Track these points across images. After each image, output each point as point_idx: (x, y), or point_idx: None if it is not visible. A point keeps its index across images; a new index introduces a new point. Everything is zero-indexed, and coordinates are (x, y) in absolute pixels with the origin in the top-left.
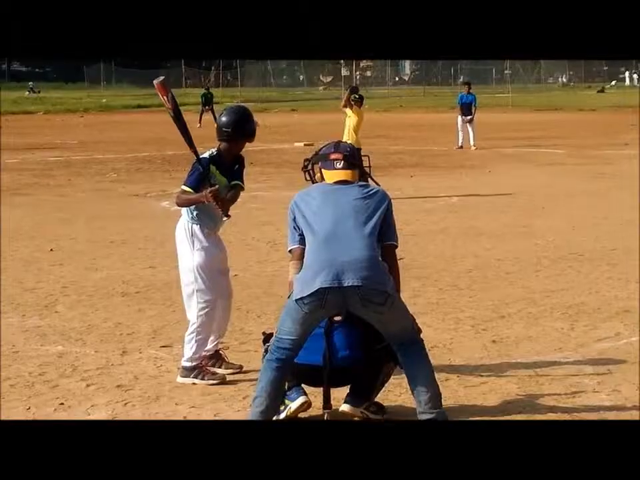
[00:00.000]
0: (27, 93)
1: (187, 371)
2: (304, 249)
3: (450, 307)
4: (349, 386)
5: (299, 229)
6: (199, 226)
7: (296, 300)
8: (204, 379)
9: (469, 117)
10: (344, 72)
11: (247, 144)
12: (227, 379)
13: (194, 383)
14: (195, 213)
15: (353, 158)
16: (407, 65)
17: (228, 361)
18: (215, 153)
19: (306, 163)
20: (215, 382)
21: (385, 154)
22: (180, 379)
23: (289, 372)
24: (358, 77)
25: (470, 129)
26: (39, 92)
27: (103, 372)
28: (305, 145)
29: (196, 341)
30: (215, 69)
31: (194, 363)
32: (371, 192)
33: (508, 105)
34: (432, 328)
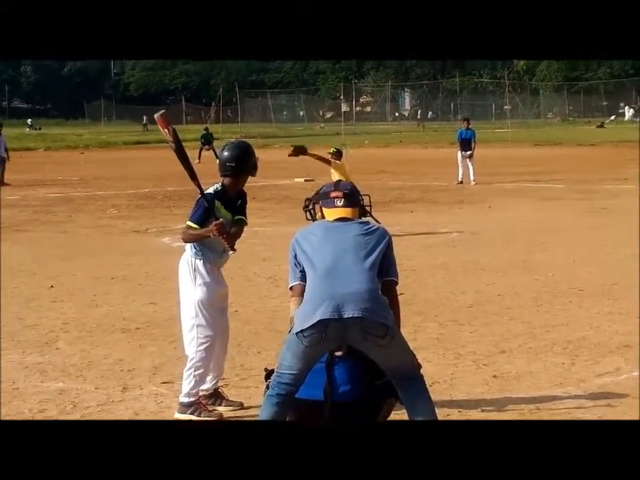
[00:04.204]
0: (27, 129)
1: (185, 407)
2: (304, 286)
3: (451, 342)
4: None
5: (299, 265)
6: (202, 261)
7: (296, 333)
8: (200, 416)
9: (468, 153)
10: (344, 107)
11: (249, 179)
12: (224, 417)
13: (191, 420)
14: (198, 248)
15: (353, 196)
16: (407, 101)
17: (228, 398)
18: (219, 188)
19: (307, 203)
20: (211, 419)
21: (385, 189)
22: (177, 415)
23: (290, 407)
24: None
25: (470, 164)
26: (40, 128)
27: (104, 408)
28: (305, 180)
29: (194, 377)
30: (215, 104)
31: (191, 399)
32: (371, 229)
33: (507, 140)
34: (432, 363)
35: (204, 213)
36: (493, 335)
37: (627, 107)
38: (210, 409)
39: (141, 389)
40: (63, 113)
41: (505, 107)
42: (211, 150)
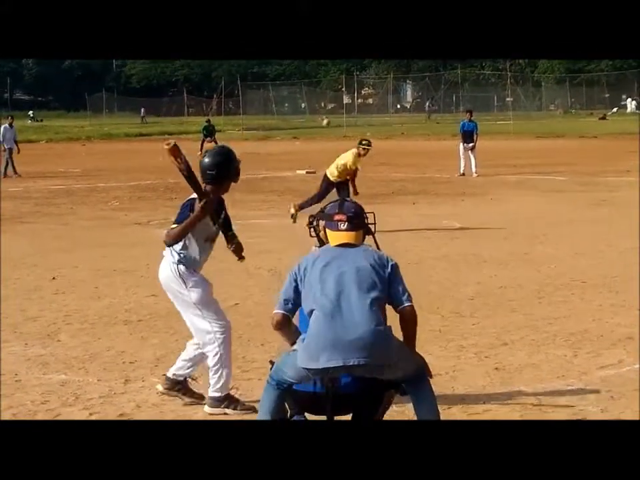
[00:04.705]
0: (29, 121)
1: (217, 402)
2: (288, 318)
3: (453, 335)
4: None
5: (294, 295)
6: (185, 266)
7: (301, 366)
8: (236, 409)
9: (470, 145)
10: (346, 99)
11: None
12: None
13: (225, 413)
14: (181, 255)
15: (357, 219)
16: (409, 93)
17: (193, 390)
18: None
19: (311, 220)
20: (246, 411)
21: (387, 181)
22: (208, 409)
23: (290, 395)
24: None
25: (472, 156)
26: (42, 120)
27: (106, 400)
28: (306, 172)
29: (222, 370)
30: (216, 97)
31: (223, 393)
32: (374, 258)
33: (510, 132)
34: (434, 356)
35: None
36: (495, 327)
37: (629, 99)
38: (241, 401)
39: (142, 381)
40: (65, 105)
41: (507, 99)
42: (212, 142)
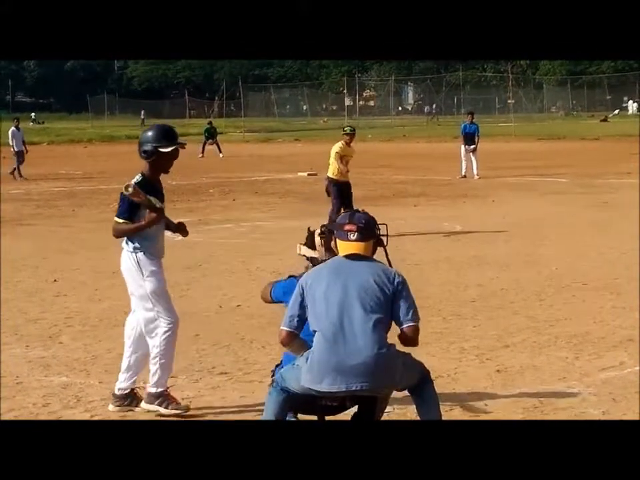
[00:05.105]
0: (31, 123)
1: (153, 397)
2: (294, 334)
3: (454, 336)
4: (345, 413)
5: (302, 310)
6: (142, 253)
7: (305, 386)
8: (167, 408)
9: (472, 147)
10: (347, 102)
11: (262, 173)
12: (190, 409)
13: (158, 411)
14: (136, 242)
15: (367, 229)
16: (410, 95)
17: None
18: (140, 179)
19: (322, 229)
20: (178, 411)
21: (389, 183)
22: (144, 405)
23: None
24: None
25: (473, 159)
26: (43, 122)
27: (107, 403)
28: (308, 174)
29: (160, 365)
30: (218, 99)
31: (159, 389)
32: (380, 274)
33: (511, 134)
34: (436, 357)
35: (129, 207)
36: (496, 329)
37: (630, 101)
38: (177, 401)
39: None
40: (66, 107)
41: (509, 101)
42: (214, 144)
